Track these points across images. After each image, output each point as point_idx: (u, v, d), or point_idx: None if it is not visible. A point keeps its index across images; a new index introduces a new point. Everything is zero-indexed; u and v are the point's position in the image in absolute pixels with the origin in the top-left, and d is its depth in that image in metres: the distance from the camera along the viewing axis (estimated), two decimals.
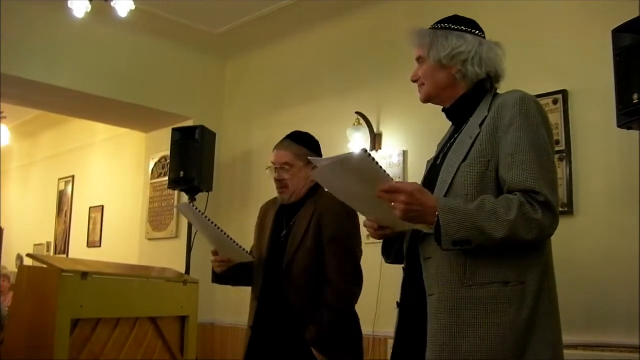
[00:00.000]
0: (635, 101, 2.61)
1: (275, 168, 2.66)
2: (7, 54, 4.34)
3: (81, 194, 7.45)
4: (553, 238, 1.76)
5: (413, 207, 1.61)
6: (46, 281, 2.46)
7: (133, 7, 4.19)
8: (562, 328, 1.76)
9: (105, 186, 7.01)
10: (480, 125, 1.77)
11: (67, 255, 7.30)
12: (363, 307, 2.69)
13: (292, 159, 2.64)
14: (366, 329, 2.69)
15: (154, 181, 5.76)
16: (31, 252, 7.39)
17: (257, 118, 5.29)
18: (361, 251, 2.64)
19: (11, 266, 7.22)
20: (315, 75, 4.87)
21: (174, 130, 4.96)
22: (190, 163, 4.76)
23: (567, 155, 3.30)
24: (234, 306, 4.89)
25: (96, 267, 2.83)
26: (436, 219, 1.61)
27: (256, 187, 5.03)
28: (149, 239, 5.69)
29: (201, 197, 4.86)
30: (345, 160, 1.64)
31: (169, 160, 5.06)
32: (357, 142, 4.26)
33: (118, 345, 2.67)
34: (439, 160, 1.87)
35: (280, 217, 2.70)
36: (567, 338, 1.79)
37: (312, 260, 2.53)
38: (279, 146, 2.70)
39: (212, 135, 4.98)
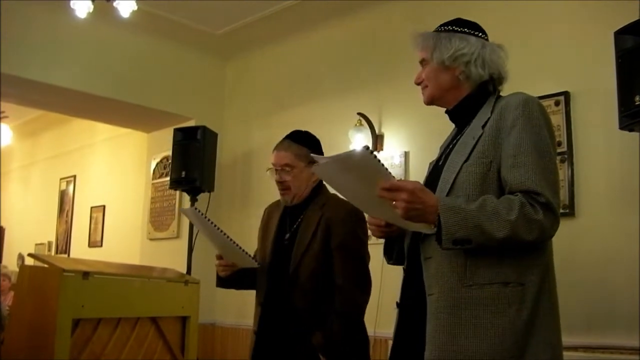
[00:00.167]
0: (637, 103, 2.61)
1: (276, 170, 2.60)
2: (8, 53, 4.34)
3: (82, 193, 7.46)
4: (554, 239, 1.76)
5: (414, 205, 1.61)
6: (47, 281, 2.46)
7: (135, 7, 4.20)
8: (562, 329, 1.76)
9: (107, 186, 7.02)
10: (483, 126, 1.78)
11: (69, 255, 7.31)
12: None
13: (293, 159, 2.58)
14: (367, 329, 2.68)
15: (155, 181, 5.76)
16: (32, 251, 7.40)
17: (258, 118, 5.29)
18: (369, 256, 2.59)
19: (12, 265, 7.23)
20: (316, 76, 4.87)
21: (175, 130, 4.97)
22: (191, 163, 4.76)
23: (568, 156, 3.30)
24: (235, 307, 4.89)
25: (97, 267, 2.83)
26: (437, 217, 1.61)
27: (257, 187, 5.04)
28: (150, 239, 5.70)
29: (202, 197, 4.86)
30: (347, 158, 1.64)
31: (170, 161, 5.06)
32: (358, 142, 4.26)
33: (119, 345, 2.67)
34: (441, 161, 1.88)
35: (284, 219, 2.66)
36: (567, 339, 1.79)
37: (319, 265, 2.48)
38: (279, 147, 2.63)
39: (214, 135, 4.99)
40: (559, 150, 3.23)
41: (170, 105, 5.34)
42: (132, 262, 5.20)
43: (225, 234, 2.51)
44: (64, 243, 7.55)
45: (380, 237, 1.92)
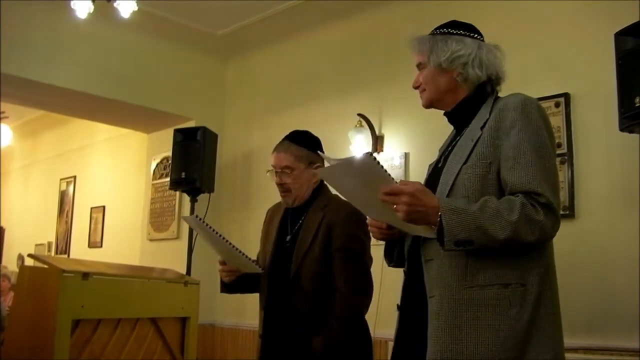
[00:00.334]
0: (637, 104, 2.62)
1: (276, 172, 2.57)
2: (8, 53, 4.35)
3: (82, 194, 7.46)
4: (554, 240, 1.76)
5: (416, 207, 1.61)
6: (47, 281, 2.46)
7: (136, 7, 4.20)
8: (563, 331, 1.76)
9: (107, 186, 7.02)
10: (482, 128, 1.78)
11: (68, 256, 7.31)
12: None
13: (293, 161, 2.54)
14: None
15: (155, 182, 5.76)
16: (32, 252, 7.40)
17: (258, 119, 5.29)
18: (371, 258, 2.56)
19: (12, 266, 7.23)
20: (316, 77, 4.87)
21: (175, 131, 4.97)
22: (191, 164, 4.77)
23: (569, 158, 3.30)
24: (235, 307, 4.89)
25: (97, 268, 2.83)
26: (439, 219, 1.61)
27: (257, 188, 5.03)
28: (150, 240, 5.70)
29: (202, 198, 4.87)
30: (350, 163, 1.65)
31: (170, 161, 5.06)
32: (358, 144, 4.26)
33: (119, 346, 2.67)
34: (440, 163, 1.88)
35: (285, 221, 2.63)
36: (567, 341, 1.79)
37: (320, 267, 2.46)
38: (279, 148, 2.59)
39: (214, 136, 4.99)
40: (559, 152, 3.23)
41: (170, 105, 5.34)
42: (132, 262, 5.20)
43: (227, 240, 2.48)
44: (63, 243, 7.55)
45: (381, 239, 1.92)
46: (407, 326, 1.85)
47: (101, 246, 6.88)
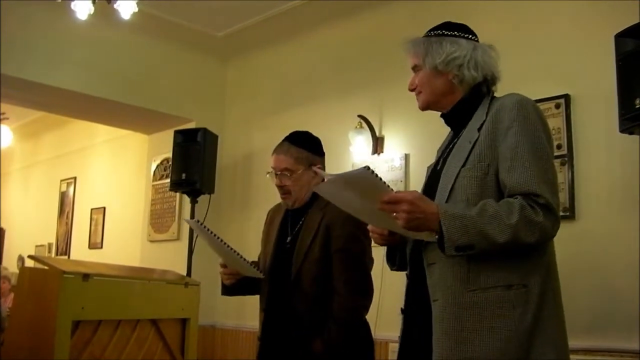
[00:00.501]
0: (637, 106, 2.62)
1: (276, 174, 2.56)
2: (9, 54, 4.35)
3: (83, 195, 7.45)
4: (554, 241, 1.76)
5: (415, 215, 1.61)
6: (47, 282, 2.46)
7: (136, 9, 4.19)
8: None
9: (107, 188, 7.02)
10: (479, 129, 1.78)
11: (69, 257, 7.30)
12: None
13: (292, 163, 2.52)
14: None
15: (155, 183, 5.76)
16: (32, 253, 7.40)
17: (259, 120, 5.29)
18: (371, 260, 2.55)
19: (12, 267, 7.22)
20: (316, 78, 4.87)
21: (176, 132, 4.97)
22: (192, 165, 4.77)
23: (569, 159, 3.30)
24: (235, 309, 4.88)
25: (97, 269, 2.84)
26: (438, 225, 1.61)
27: (257, 189, 5.03)
28: (151, 241, 5.70)
29: (202, 199, 4.87)
30: (348, 177, 1.67)
31: (170, 162, 5.06)
32: (358, 145, 4.26)
33: (119, 347, 2.67)
34: (439, 165, 1.88)
35: (286, 222, 2.63)
36: (568, 342, 1.79)
37: (320, 269, 2.45)
38: (278, 150, 2.57)
39: (214, 137, 4.99)
40: (559, 153, 3.23)
41: (170, 107, 5.33)
42: (132, 264, 5.20)
43: (227, 245, 2.48)
44: (64, 245, 7.54)
45: (383, 245, 1.93)
46: (412, 330, 1.85)
47: (101, 247, 6.88)
